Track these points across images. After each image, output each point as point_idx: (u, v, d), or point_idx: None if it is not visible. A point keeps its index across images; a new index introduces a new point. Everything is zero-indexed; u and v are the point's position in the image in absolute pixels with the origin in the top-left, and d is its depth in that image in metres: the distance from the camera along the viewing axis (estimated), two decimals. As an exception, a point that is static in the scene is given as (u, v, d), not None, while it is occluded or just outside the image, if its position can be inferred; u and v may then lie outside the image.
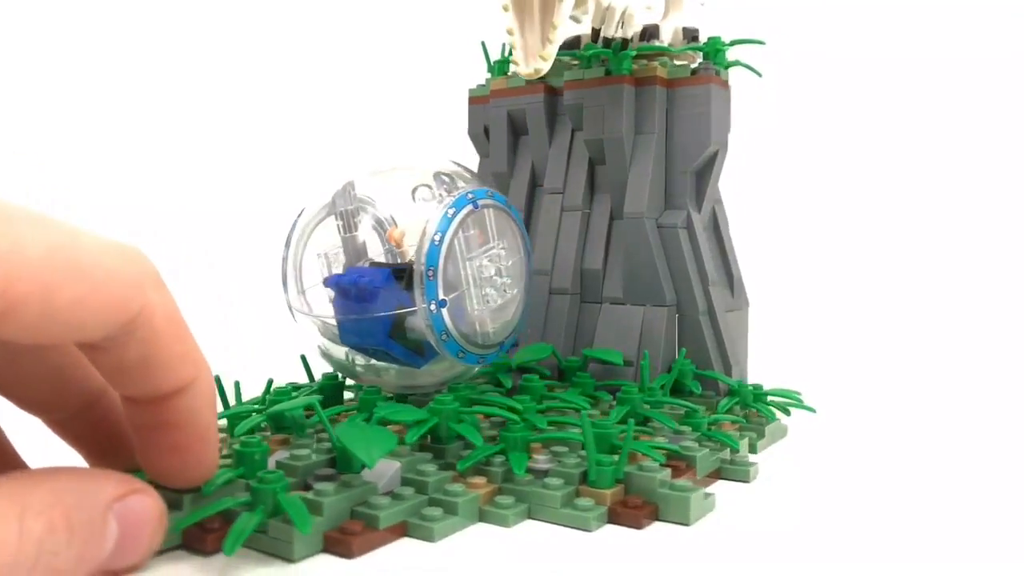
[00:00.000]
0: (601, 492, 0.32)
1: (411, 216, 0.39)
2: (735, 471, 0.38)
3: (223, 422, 0.38)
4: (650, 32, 0.52)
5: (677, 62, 0.52)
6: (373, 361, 0.41)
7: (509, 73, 0.57)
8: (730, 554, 0.30)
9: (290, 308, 0.41)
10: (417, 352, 0.40)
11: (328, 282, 0.38)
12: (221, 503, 0.29)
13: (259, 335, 0.48)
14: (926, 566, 0.29)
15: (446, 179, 0.38)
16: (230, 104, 0.91)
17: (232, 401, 0.40)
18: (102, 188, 0.82)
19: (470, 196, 0.38)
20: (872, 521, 0.33)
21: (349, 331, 0.38)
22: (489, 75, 0.58)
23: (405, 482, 0.33)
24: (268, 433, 0.38)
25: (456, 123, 0.60)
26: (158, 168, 0.87)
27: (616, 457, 0.33)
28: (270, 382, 0.41)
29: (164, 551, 0.29)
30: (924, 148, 1.01)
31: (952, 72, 1.01)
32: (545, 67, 0.46)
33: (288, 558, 0.28)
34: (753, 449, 0.43)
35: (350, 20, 0.98)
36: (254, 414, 0.38)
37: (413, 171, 0.39)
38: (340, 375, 0.43)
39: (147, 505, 0.27)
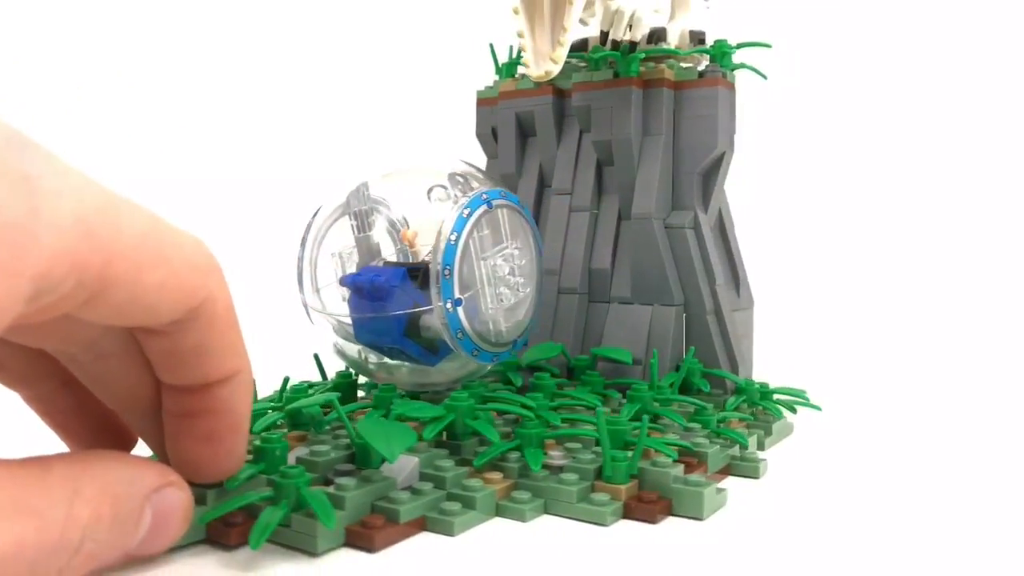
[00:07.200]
0: (616, 487, 0.33)
1: (425, 216, 0.39)
2: (745, 467, 0.39)
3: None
4: (657, 35, 0.53)
5: (684, 64, 0.53)
6: (386, 359, 0.41)
7: (518, 75, 0.57)
8: (744, 548, 0.30)
9: (305, 307, 0.41)
10: (431, 350, 0.40)
11: (344, 281, 0.39)
12: (245, 497, 0.29)
13: (273, 334, 0.49)
14: (934, 560, 0.30)
15: (460, 180, 0.39)
16: (242, 106, 0.91)
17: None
18: (118, 189, 0.83)
19: (484, 196, 0.38)
20: (880, 516, 0.34)
21: (364, 329, 0.39)
22: (497, 77, 0.59)
23: (423, 477, 0.33)
24: (284, 430, 0.39)
25: (463, 124, 0.61)
26: (175, 169, 0.87)
27: (630, 453, 0.34)
28: (286, 380, 0.42)
29: (188, 545, 0.29)
30: (928, 149, 1.03)
31: (956, 74, 1.02)
32: (556, 69, 0.46)
33: (312, 552, 0.29)
34: (761, 446, 0.44)
35: (360, 22, 0.98)
36: (270, 411, 0.39)
37: (427, 172, 0.40)
38: (353, 373, 0.44)
39: (178, 498, 0.27)
